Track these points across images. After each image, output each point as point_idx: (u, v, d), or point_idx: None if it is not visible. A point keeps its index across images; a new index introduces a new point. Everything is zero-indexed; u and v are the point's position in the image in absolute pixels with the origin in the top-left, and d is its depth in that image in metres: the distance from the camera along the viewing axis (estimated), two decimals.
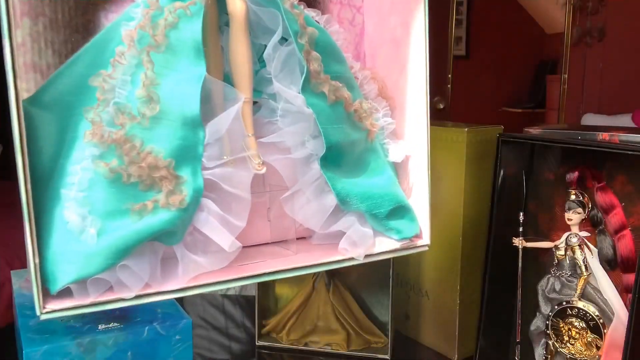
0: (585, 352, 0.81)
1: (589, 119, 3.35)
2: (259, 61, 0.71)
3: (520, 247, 0.86)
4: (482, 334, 0.90)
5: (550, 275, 0.84)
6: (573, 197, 0.81)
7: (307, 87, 0.66)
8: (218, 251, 0.65)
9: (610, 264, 0.79)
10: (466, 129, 0.91)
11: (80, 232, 0.58)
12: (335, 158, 0.70)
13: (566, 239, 0.82)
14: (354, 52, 0.82)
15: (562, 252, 0.82)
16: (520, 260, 0.87)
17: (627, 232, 0.77)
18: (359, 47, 0.82)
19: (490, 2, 4.05)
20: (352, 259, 0.71)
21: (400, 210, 0.75)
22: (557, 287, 0.83)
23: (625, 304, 0.77)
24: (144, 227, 0.59)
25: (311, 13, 0.71)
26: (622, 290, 0.78)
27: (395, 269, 0.98)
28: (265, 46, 0.69)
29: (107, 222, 0.59)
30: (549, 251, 0.85)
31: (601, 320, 0.79)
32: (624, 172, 0.78)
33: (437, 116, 3.39)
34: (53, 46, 0.65)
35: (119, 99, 0.60)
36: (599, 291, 0.80)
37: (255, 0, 0.66)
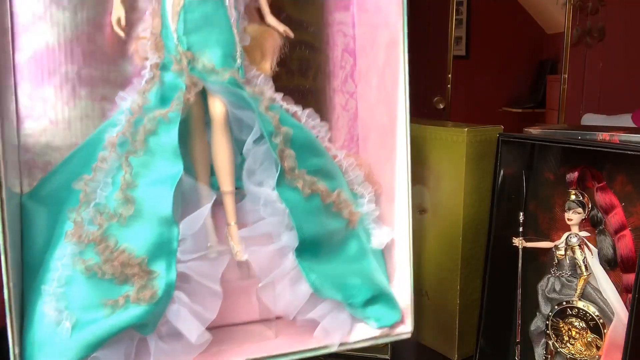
0: (585, 352, 0.81)
1: (589, 119, 3.34)
2: (241, 154, 0.75)
3: (520, 247, 0.86)
4: (482, 334, 0.90)
5: (550, 275, 0.84)
6: (573, 197, 0.81)
7: (282, 182, 0.70)
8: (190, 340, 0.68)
9: (610, 264, 0.79)
10: (466, 129, 0.91)
11: (57, 325, 0.62)
12: (311, 248, 0.72)
13: (566, 239, 0.82)
14: (347, 135, 0.84)
15: (562, 252, 0.82)
16: (520, 260, 0.87)
17: (627, 232, 0.77)
18: (352, 130, 0.85)
19: (490, 2, 4.05)
20: (327, 346, 0.73)
21: (379, 298, 0.76)
22: (557, 287, 0.83)
23: (625, 304, 0.77)
24: (115, 321, 0.63)
25: (293, 108, 0.74)
26: (622, 290, 0.78)
27: None
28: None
29: (82, 316, 0.62)
30: (549, 251, 0.85)
31: (601, 320, 0.79)
32: (624, 172, 0.78)
33: (437, 116, 3.38)
34: (53, 144, 0.70)
35: (100, 200, 0.64)
36: (599, 291, 0.80)
37: (233, 104, 0.70)
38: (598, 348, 0.80)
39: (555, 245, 0.83)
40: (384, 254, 0.79)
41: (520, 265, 0.87)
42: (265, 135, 0.68)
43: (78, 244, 0.63)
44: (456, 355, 0.98)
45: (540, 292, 0.85)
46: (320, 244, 0.72)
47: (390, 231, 0.78)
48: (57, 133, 0.68)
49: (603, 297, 0.79)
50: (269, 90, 0.71)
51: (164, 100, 0.66)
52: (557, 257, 0.83)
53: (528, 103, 4.22)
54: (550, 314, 0.84)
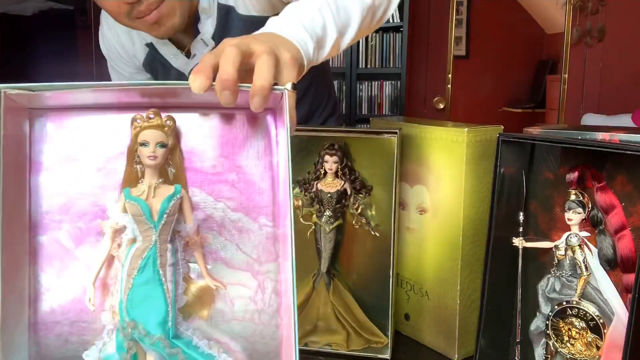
0: (585, 352, 0.81)
1: (589, 119, 3.35)
2: None
3: (520, 247, 0.86)
4: (482, 334, 0.90)
5: (550, 275, 0.84)
6: (573, 197, 0.81)
7: None
8: None
9: (610, 264, 0.79)
10: (466, 129, 0.91)
11: None
12: None
13: (566, 239, 0.82)
14: None
15: (562, 252, 0.82)
16: (520, 260, 0.87)
17: (627, 232, 0.77)
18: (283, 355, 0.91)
19: (490, 2, 4.05)
20: None
21: None
22: (557, 287, 0.83)
23: (625, 304, 0.77)
24: None
25: (214, 355, 0.82)
26: (622, 290, 0.78)
27: (395, 269, 0.98)
28: None
29: None
30: (549, 251, 0.85)
31: (601, 320, 0.79)
32: (624, 172, 0.78)
33: (437, 116, 3.38)
34: None
35: None
36: (599, 291, 0.80)
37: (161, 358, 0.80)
38: (598, 348, 0.80)
39: (555, 245, 0.83)
40: None
41: (520, 265, 0.87)
42: None
43: None
44: (456, 355, 0.98)
45: (540, 292, 0.85)
46: None
47: None
48: None
49: (603, 297, 0.79)
50: (197, 341, 0.83)
51: (117, 352, 0.80)
52: (557, 257, 0.83)
53: (528, 103, 4.22)
54: (550, 314, 0.84)
